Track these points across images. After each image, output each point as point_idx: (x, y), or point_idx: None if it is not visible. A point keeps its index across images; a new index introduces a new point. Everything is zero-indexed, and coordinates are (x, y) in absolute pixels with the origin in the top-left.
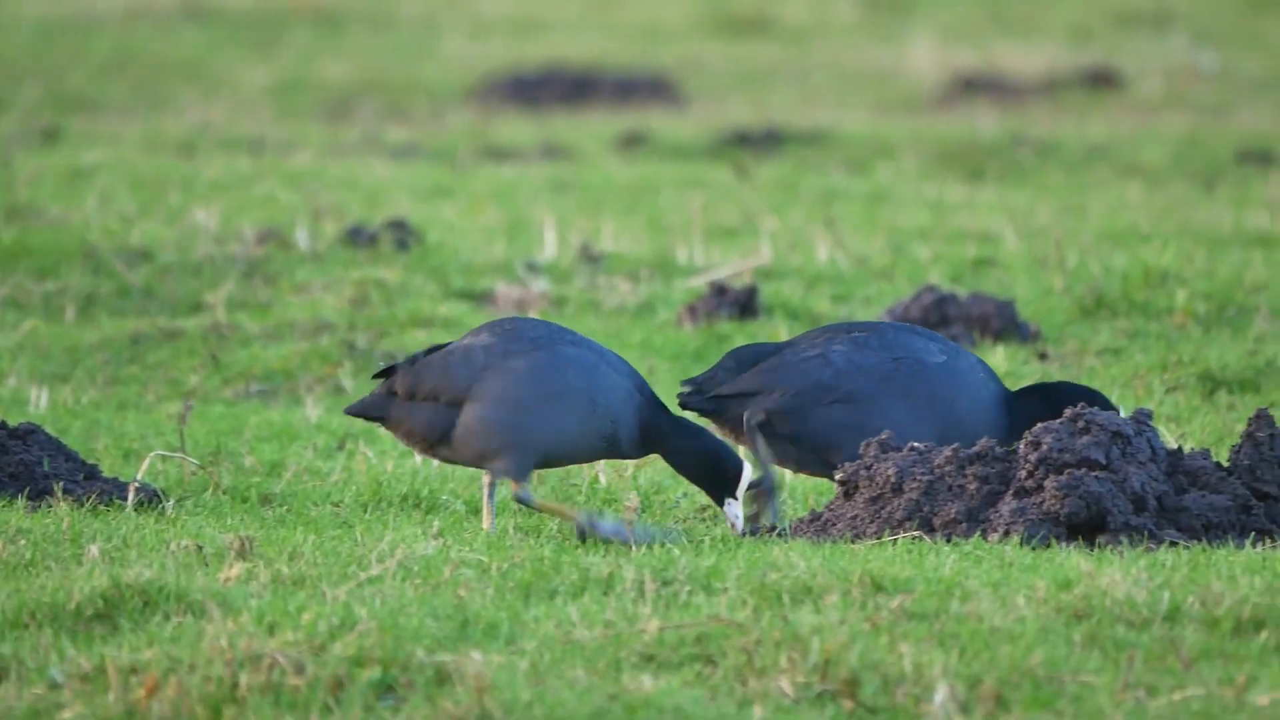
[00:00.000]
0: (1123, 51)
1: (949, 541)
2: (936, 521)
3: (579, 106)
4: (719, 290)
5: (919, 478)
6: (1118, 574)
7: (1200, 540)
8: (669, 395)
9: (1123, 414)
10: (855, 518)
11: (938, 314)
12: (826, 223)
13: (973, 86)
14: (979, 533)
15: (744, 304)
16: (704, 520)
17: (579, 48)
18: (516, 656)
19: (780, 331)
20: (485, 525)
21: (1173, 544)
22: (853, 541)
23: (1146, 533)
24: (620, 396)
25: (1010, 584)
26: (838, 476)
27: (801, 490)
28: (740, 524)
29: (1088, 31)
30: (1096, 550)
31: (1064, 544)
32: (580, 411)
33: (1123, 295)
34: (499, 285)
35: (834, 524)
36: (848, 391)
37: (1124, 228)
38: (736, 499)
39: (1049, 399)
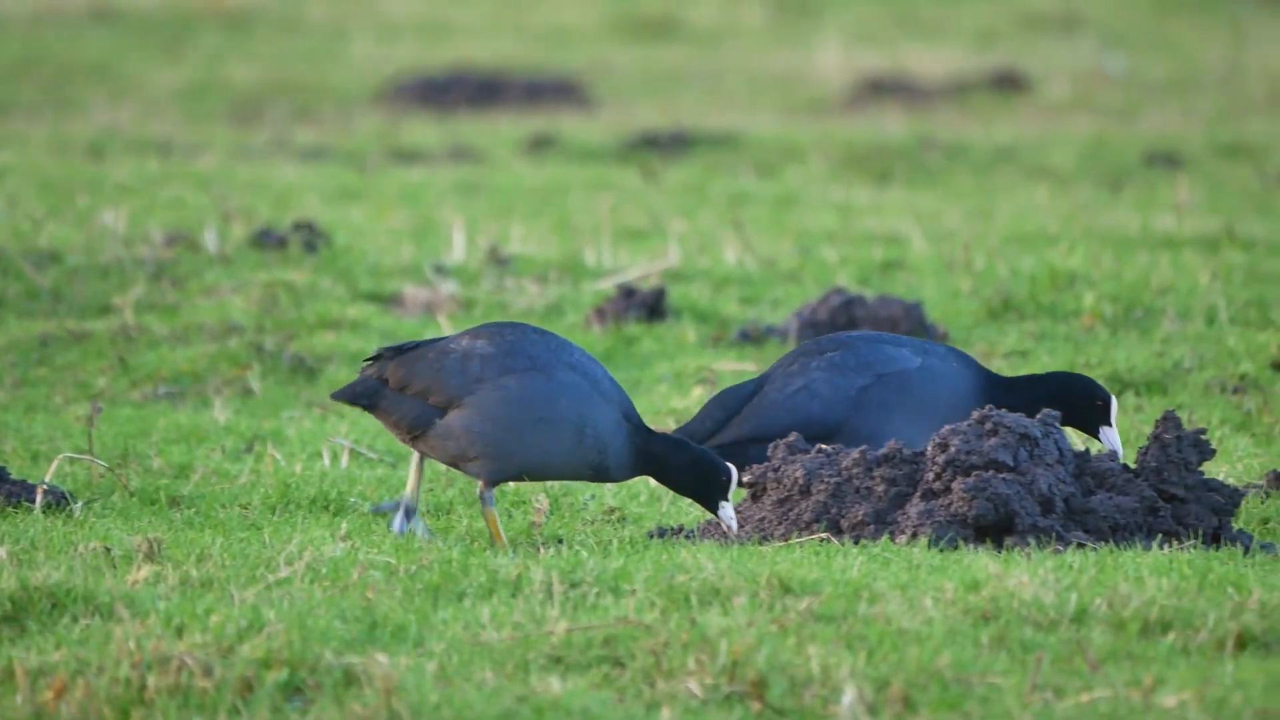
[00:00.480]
0: (1030, 54)
1: (857, 543)
2: (844, 523)
3: (487, 109)
4: (627, 292)
5: (826, 480)
6: (1025, 576)
7: (1107, 542)
8: None
9: (1115, 404)
10: (763, 520)
11: (845, 316)
12: (735, 225)
13: (880, 89)
14: (887, 534)
15: (652, 306)
16: (611, 523)
17: (487, 50)
18: (424, 658)
19: (688, 333)
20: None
21: (1080, 546)
22: (761, 543)
23: (1054, 534)
24: (610, 426)
25: (918, 586)
26: (745, 479)
27: None
28: (735, 526)
29: (995, 34)
30: (1004, 552)
31: (972, 546)
32: (568, 441)
33: (1030, 297)
34: (407, 287)
35: (742, 526)
36: (852, 429)
37: (1031, 230)
38: (728, 502)
39: (1038, 388)
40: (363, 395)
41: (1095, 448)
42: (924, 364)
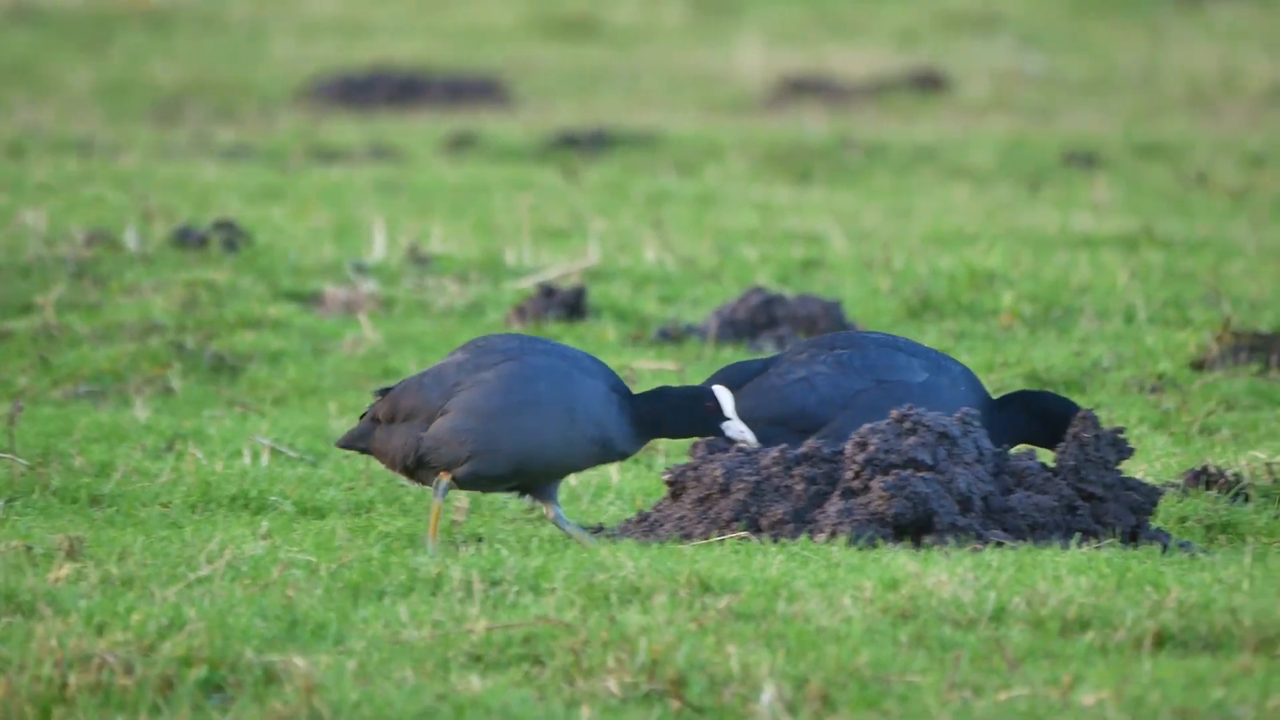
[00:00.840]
0: (949, 54)
1: (776, 542)
2: (764, 522)
3: (407, 108)
4: (547, 292)
5: (746, 479)
6: (944, 574)
7: (1026, 540)
8: None
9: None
10: (683, 518)
11: (765, 315)
12: (655, 224)
13: (800, 89)
14: (806, 533)
15: (572, 305)
16: (531, 521)
17: (407, 49)
18: (345, 656)
19: (608, 331)
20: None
21: (999, 544)
22: (680, 542)
23: (973, 533)
24: (599, 401)
25: (837, 584)
26: (664, 477)
27: (629, 491)
28: (753, 439)
29: (915, 34)
30: (923, 550)
31: (890, 544)
32: (559, 422)
33: (949, 296)
34: (328, 286)
35: (662, 524)
36: (837, 428)
37: (950, 229)
38: (730, 419)
39: (1029, 407)
40: (359, 438)
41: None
42: (929, 380)
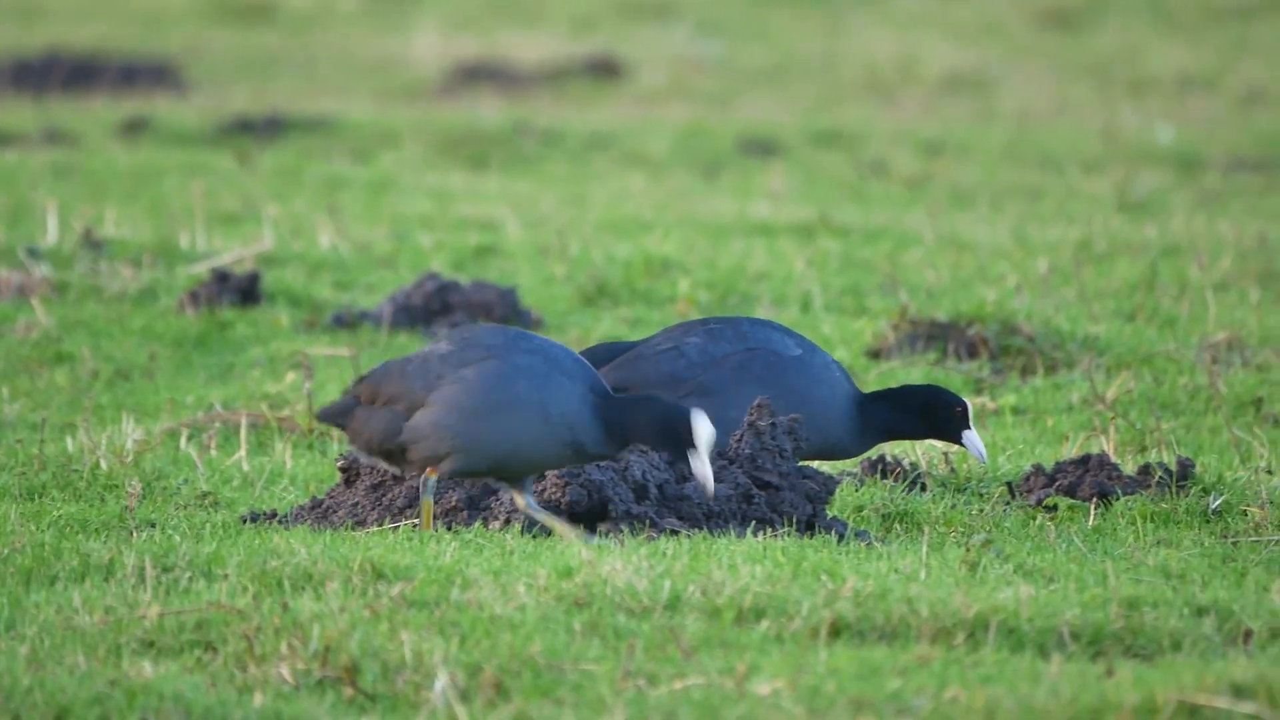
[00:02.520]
0: (627, 41)
1: (450, 529)
2: (438, 509)
3: (82, 92)
4: (221, 277)
5: None
6: (618, 562)
7: (702, 529)
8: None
9: (971, 410)
10: (357, 505)
11: (440, 301)
12: (330, 210)
13: (477, 75)
14: (480, 520)
15: (246, 290)
16: (204, 507)
17: (82, 33)
18: (16, 642)
19: (282, 317)
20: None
21: (674, 533)
22: (354, 529)
23: (648, 521)
24: (574, 404)
25: (511, 572)
26: (338, 464)
27: (303, 477)
28: (710, 483)
29: (592, 21)
30: (598, 538)
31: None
32: (534, 423)
33: (625, 283)
34: (0, 270)
35: (335, 511)
36: (701, 383)
37: (627, 217)
38: (698, 450)
39: (900, 402)
40: (340, 414)
41: (957, 454)
42: (802, 357)
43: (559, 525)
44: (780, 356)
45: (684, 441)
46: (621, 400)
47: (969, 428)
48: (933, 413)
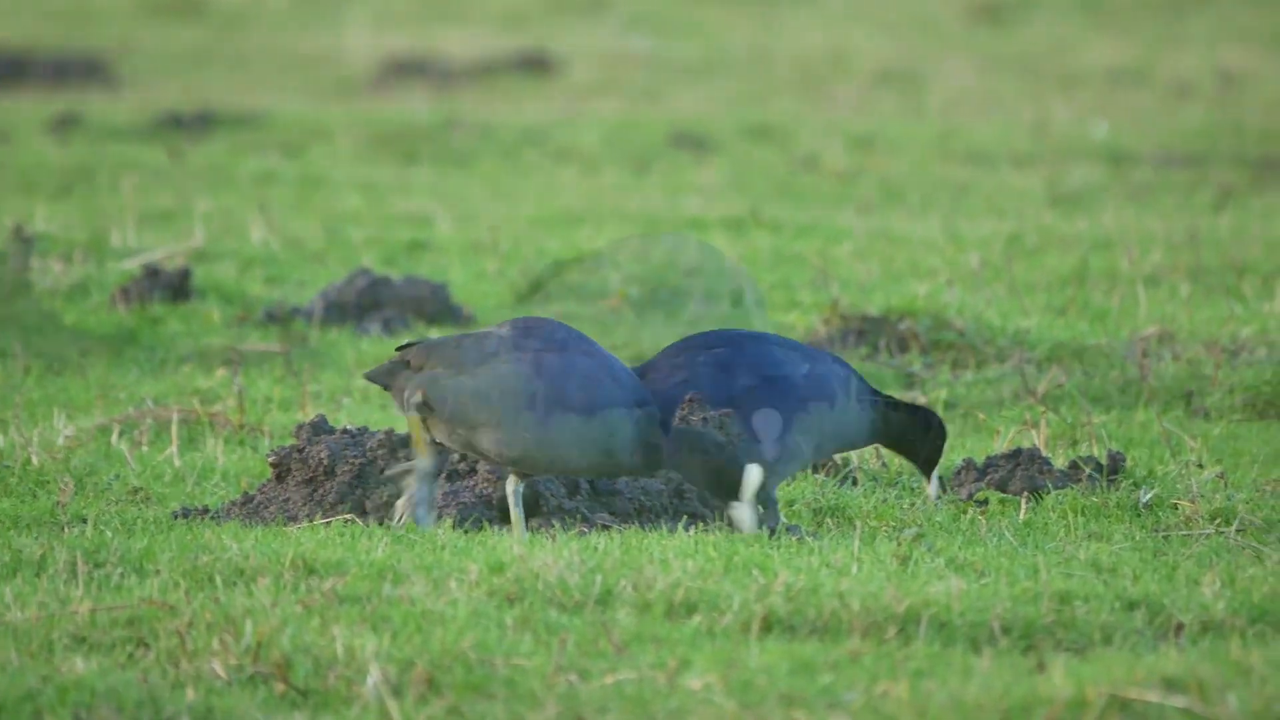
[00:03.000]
0: (557, 36)
1: (382, 524)
2: (369, 505)
3: (11, 88)
4: (152, 273)
5: (351, 461)
6: (550, 557)
7: (634, 523)
8: None
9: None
10: (288, 500)
11: (371, 297)
12: (261, 206)
13: (407, 70)
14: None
15: (177, 287)
16: (135, 502)
17: (12, 28)
18: None
19: (213, 313)
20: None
21: (606, 527)
22: (286, 524)
23: (579, 516)
24: (619, 414)
25: (442, 567)
26: (269, 459)
27: (234, 473)
28: (748, 527)
29: (523, 16)
30: (530, 533)
31: (496, 527)
32: (573, 421)
33: (557, 279)
34: None
35: (267, 506)
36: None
37: (558, 212)
38: (741, 501)
39: (914, 417)
40: (386, 374)
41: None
42: (812, 370)
43: (518, 525)
44: (794, 380)
45: (731, 490)
46: (674, 429)
47: (936, 466)
48: (930, 441)
